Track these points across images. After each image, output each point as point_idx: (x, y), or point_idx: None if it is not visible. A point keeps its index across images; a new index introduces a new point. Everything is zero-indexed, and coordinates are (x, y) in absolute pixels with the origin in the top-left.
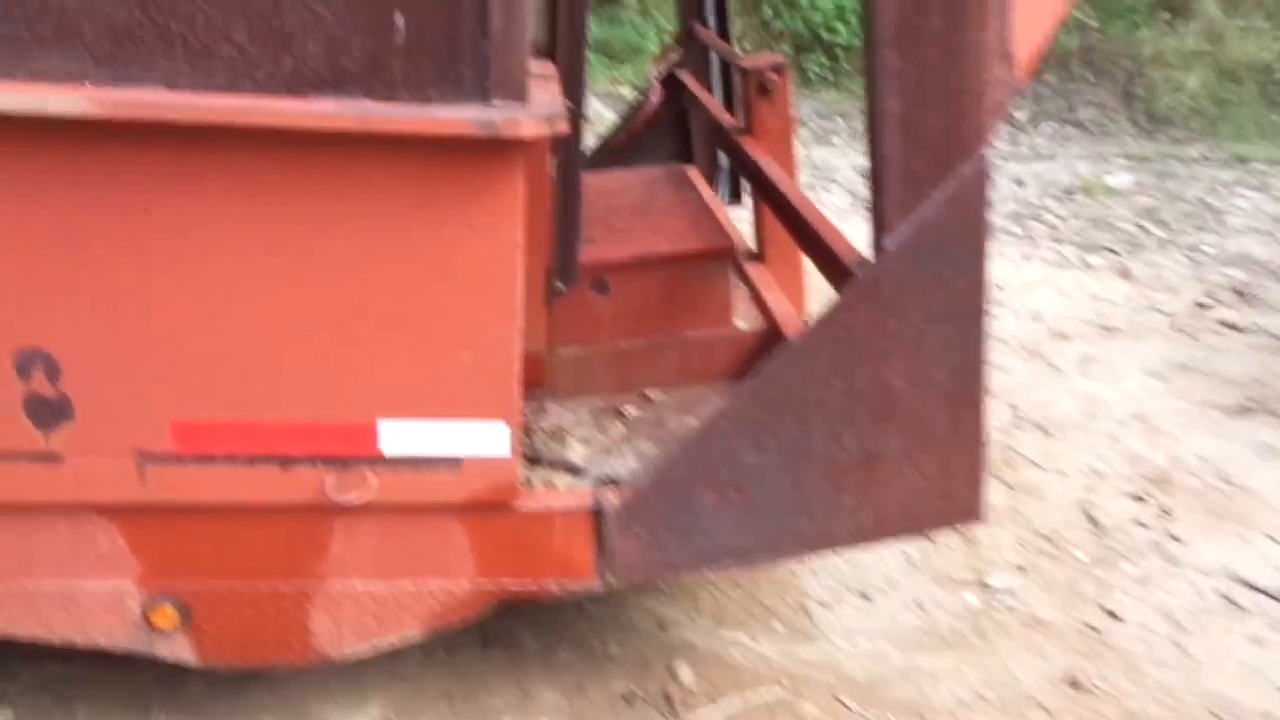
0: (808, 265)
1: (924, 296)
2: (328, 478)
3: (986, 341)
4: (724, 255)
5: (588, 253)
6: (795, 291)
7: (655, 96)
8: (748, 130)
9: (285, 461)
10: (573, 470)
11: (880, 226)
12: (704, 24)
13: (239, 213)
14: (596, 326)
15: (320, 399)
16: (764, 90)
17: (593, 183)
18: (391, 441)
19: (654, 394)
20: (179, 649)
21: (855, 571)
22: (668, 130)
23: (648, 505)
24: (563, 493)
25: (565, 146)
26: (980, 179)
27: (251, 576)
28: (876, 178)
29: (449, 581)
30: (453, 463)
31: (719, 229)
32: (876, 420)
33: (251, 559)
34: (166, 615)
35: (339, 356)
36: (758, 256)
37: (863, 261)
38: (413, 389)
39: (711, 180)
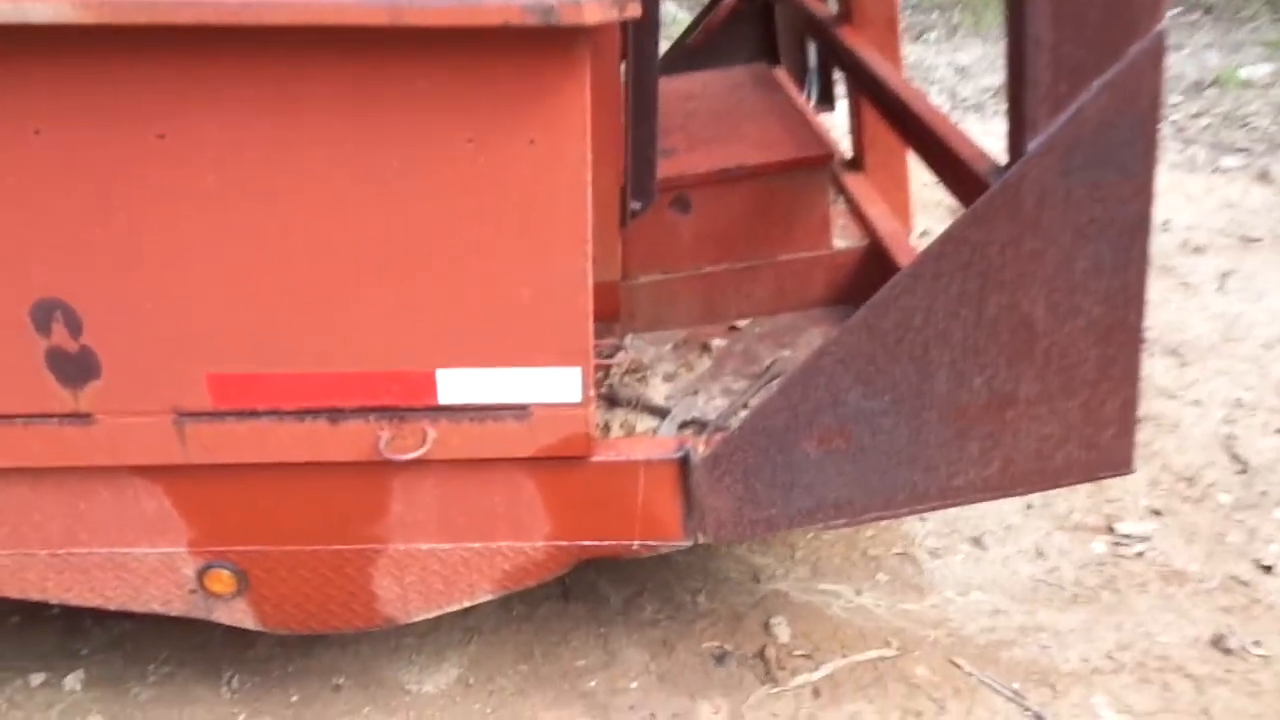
0: (913, 176)
1: (1075, 209)
2: (382, 433)
3: (1148, 263)
4: (820, 164)
5: (666, 166)
6: (900, 206)
7: None
8: (845, 19)
9: (334, 415)
10: (655, 411)
11: (1022, 127)
12: None
13: (260, 133)
14: (677, 249)
15: (367, 346)
16: None
17: (668, 87)
18: (450, 390)
19: (743, 324)
20: (238, 614)
21: (967, 516)
22: (749, 28)
23: (741, 454)
24: (644, 441)
25: (638, 40)
26: (1154, 62)
27: (308, 540)
28: (1018, 68)
29: (521, 541)
30: (520, 412)
31: (813, 135)
32: (1011, 358)
33: (307, 521)
34: (222, 580)
35: (384, 297)
36: (856, 166)
37: (998, 169)
38: (471, 332)
39: (800, 83)
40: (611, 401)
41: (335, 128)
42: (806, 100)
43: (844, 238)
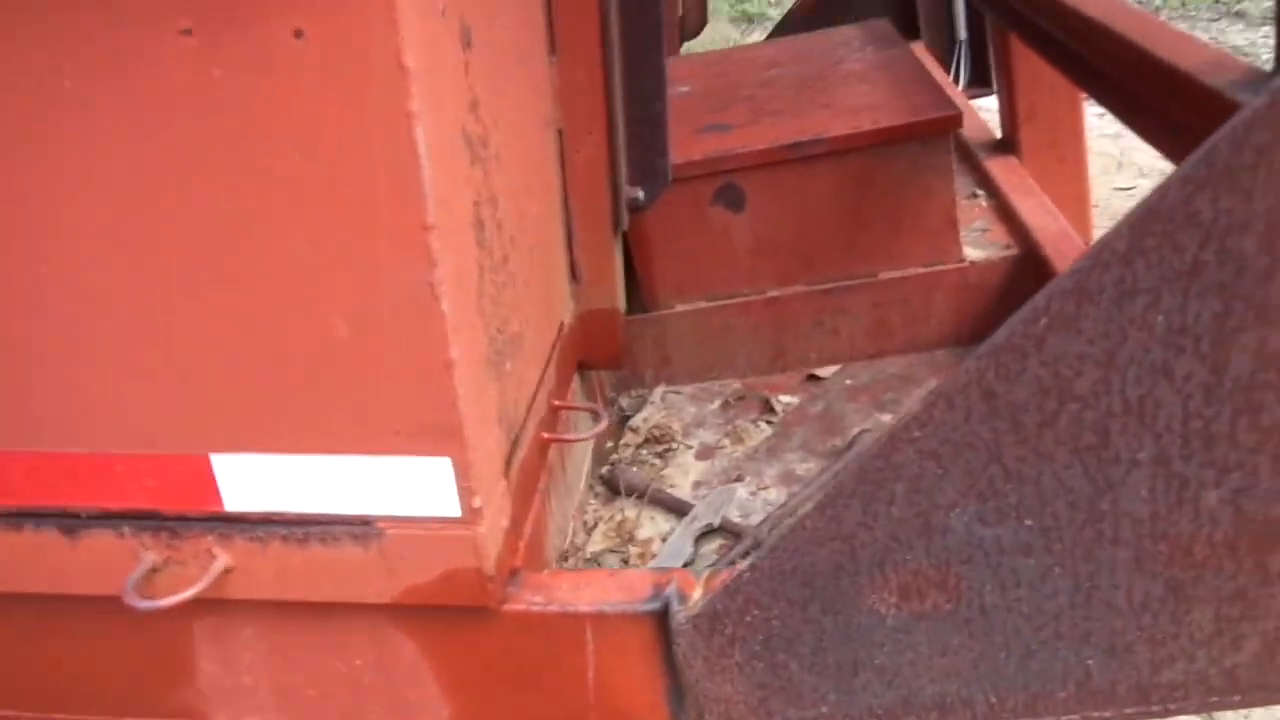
0: (1094, 162)
1: None
2: (145, 553)
3: None
4: (942, 132)
5: (712, 144)
6: (1074, 199)
7: None
8: None
9: (68, 523)
10: (673, 506)
11: None
12: None
13: None
14: (729, 264)
15: (103, 411)
16: None
17: (747, 54)
18: (238, 489)
19: (826, 373)
20: None
21: None
22: None
23: (761, 610)
24: (590, 578)
25: None
26: None
27: (77, 708)
28: None
29: None
30: (360, 529)
31: (934, 96)
32: None
33: (65, 682)
34: None
35: (108, 325)
36: (1007, 148)
37: (1263, 76)
38: (258, 391)
39: (946, 61)
40: (612, 488)
41: None
42: (953, 83)
43: (982, 246)
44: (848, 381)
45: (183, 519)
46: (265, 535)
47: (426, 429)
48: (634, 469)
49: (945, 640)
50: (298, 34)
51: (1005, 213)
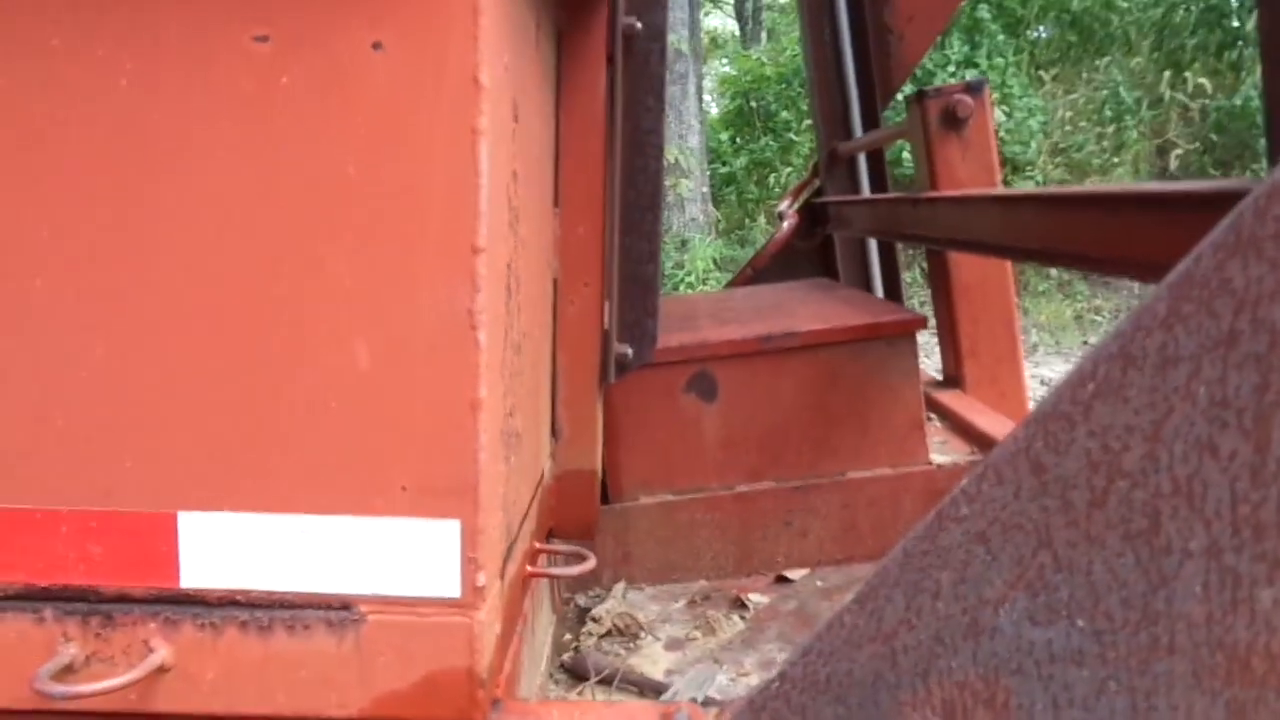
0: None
1: None
2: (62, 646)
3: None
4: (908, 333)
5: (685, 337)
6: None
7: (788, 224)
8: (931, 186)
9: None
10: (645, 688)
11: None
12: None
13: None
14: (698, 456)
15: (26, 457)
16: (953, 121)
17: (697, 298)
18: (202, 561)
19: (797, 575)
20: None
21: None
22: (806, 261)
23: None
24: (594, 707)
25: (640, 52)
26: None
27: None
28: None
29: None
30: (337, 615)
31: (896, 306)
32: None
33: None
34: None
35: (94, 356)
36: (952, 384)
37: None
38: (247, 435)
39: None
40: (577, 675)
41: None
42: None
43: (945, 453)
44: (819, 583)
45: (123, 599)
46: (221, 621)
47: (438, 484)
48: (599, 656)
49: None
50: (376, 46)
51: (963, 428)
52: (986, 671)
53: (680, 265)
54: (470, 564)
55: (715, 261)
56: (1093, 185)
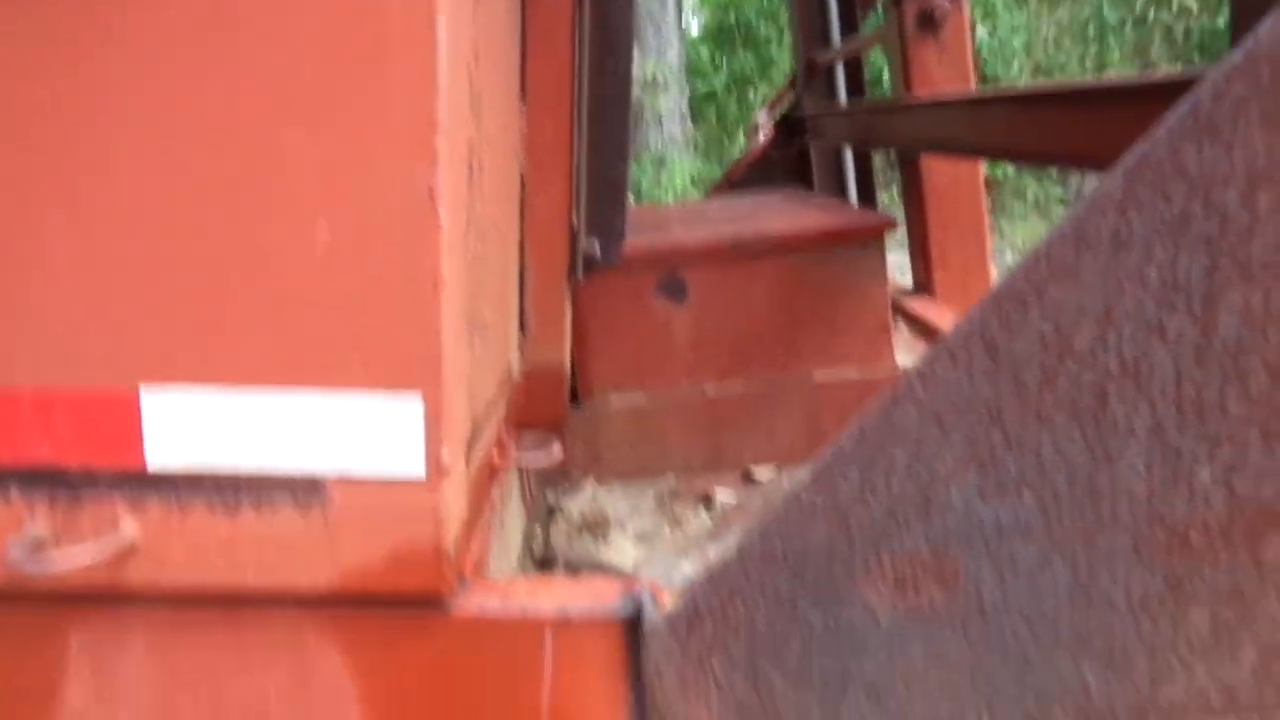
0: None
1: None
2: (27, 522)
3: None
4: (876, 236)
5: (654, 240)
6: None
7: (764, 136)
8: (907, 90)
9: None
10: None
11: None
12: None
13: None
14: (668, 358)
15: (20, 336)
16: (930, 24)
17: (670, 209)
18: (167, 439)
19: (763, 473)
20: None
21: None
22: (782, 173)
23: (742, 609)
24: (556, 584)
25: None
26: None
27: None
28: None
29: None
30: (304, 492)
31: (866, 210)
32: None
33: None
34: None
35: (55, 229)
36: (922, 290)
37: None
38: (222, 311)
39: None
40: (545, 567)
41: None
42: None
43: (912, 357)
44: (785, 482)
45: (89, 478)
46: (188, 499)
47: (401, 360)
48: (569, 549)
49: (940, 646)
50: None
51: (931, 334)
52: (937, 546)
53: (658, 183)
54: (434, 442)
55: (694, 180)
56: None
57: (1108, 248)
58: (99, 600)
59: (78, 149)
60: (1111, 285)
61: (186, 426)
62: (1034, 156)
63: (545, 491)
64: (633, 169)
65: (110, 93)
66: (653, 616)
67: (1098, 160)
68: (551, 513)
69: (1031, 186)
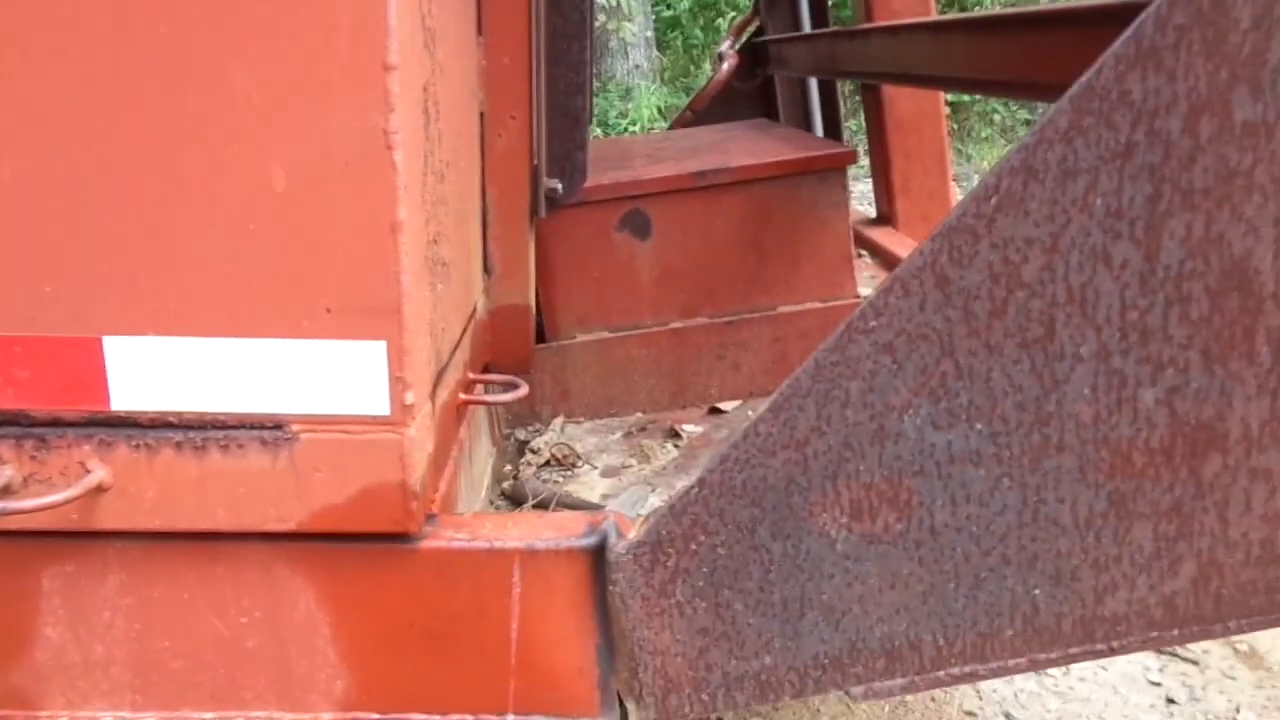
0: None
1: None
2: None
3: None
4: (839, 168)
5: (617, 175)
6: None
7: (728, 65)
8: (867, 19)
9: None
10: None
11: None
12: None
13: None
14: (632, 294)
15: None
16: None
17: (633, 140)
18: (131, 383)
19: (730, 406)
20: None
21: (1077, 713)
22: (747, 103)
23: (705, 537)
24: (522, 518)
25: None
26: None
27: None
28: None
29: (290, 716)
30: (270, 434)
31: (828, 142)
32: (1225, 337)
33: None
34: None
35: (11, 184)
36: (884, 221)
37: None
38: (167, 259)
39: None
40: (516, 500)
41: None
42: None
43: (874, 287)
44: (751, 414)
45: (56, 422)
46: (155, 442)
47: (362, 306)
48: (537, 484)
49: (895, 569)
50: None
51: (893, 263)
52: (891, 473)
53: (624, 114)
54: (398, 383)
55: (660, 110)
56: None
57: (1055, 178)
58: (71, 540)
59: (27, 97)
60: (1058, 215)
61: (151, 370)
62: (994, 87)
63: (514, 430)
64: (597, 100)
65: (57, 38)
66: (618, 547)
67: (1056, 90)
68: (521, 450)
69: (999, 110)
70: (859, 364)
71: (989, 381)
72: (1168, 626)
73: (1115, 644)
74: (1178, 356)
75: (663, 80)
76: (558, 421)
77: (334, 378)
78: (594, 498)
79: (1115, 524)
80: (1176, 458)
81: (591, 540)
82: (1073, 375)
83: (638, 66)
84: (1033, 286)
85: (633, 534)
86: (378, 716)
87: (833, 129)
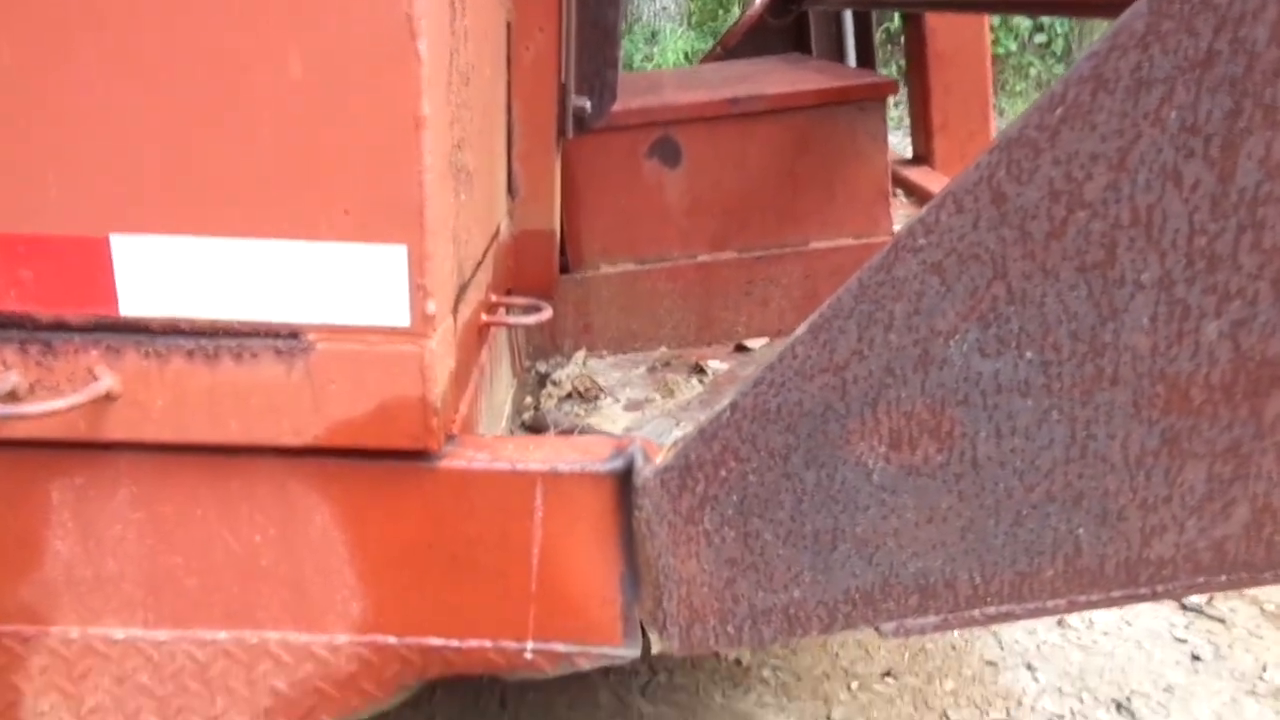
0: None
1: None
2: (2, 372)
3: None
4: (879, 98)
5: (646, 100)
6: None
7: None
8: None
9: None
10: None
11: None
12: None
13: None
14: (661, 224)
15: None
16: None
17: (664, 73)
18: (140, 287)
19: (756, 344)
20: None
21: (1106, 669)
22: (779, 40)
23: (735, 463)
24: (545, 440)
25: None
26: None
27: None
28: None
29: (307, 635)
30: (285, 343)
31: (867, 72)
32: None
33: None
34: None
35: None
36: (921, 161)
37: None
38: (190, 157)
39: None
40: (535, 433)
41: None
42: None
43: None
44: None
45: (61, 327)
46: (166, 350)
47: (382, 207)
48: (559, 416)
49: (933, 502)
50: None
51: (927, 199)
52: (934, 402)
53: (649, 58)
54: (419, 291)
55: (687, 55)
56: None
57: (1126, 88)
58: (80, 452)
59: None
60: (1128, 129)
61: (161, 273)
62: (1048, 7)
63: (535, 363)
64: (623, 42)
65: None
66: (644, 471)
67: (1117, 8)
68: (542, 382)
69: (1035, 64)
70: (905, 284)
71: (1042, 307)
72: (1215, 572)
73: (1160, 588)
74: (1246, 287)
75: (690, 24)
76: (579, 355)
77: (352, 284)
78: (616, 429)
79: (1167, 463)
80: (1237, 395)
81: (617, 464)
82: (1132, 304)
83: (665, 8)
84: (1095, 206)
85: (660, 459)
86: (394, 639)
87: (868, 66)
